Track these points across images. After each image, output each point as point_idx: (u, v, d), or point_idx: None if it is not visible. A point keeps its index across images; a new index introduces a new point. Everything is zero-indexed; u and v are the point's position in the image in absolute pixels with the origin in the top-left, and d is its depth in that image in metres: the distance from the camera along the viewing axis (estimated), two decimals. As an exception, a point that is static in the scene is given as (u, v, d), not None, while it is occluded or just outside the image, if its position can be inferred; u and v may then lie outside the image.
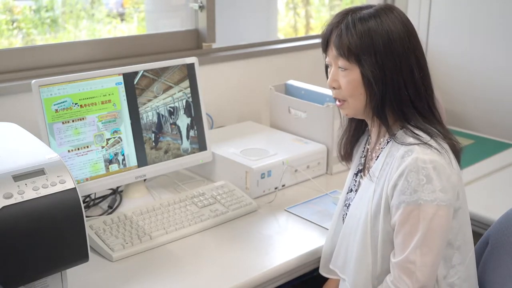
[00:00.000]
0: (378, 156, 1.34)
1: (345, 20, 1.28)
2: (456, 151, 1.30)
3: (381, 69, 1.26)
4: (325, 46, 1.34)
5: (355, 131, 1.47)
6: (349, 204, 1.43)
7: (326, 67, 1.38)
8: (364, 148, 1.45)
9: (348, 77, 1.29)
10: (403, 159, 1.23)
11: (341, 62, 1.29)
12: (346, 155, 1.49)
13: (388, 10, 1.29)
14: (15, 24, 2.33)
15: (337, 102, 1.35)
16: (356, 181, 1.44)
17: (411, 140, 1.26)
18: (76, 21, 2.54)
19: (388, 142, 1.32)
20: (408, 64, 1.27)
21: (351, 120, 1.45)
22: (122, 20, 2.78)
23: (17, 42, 2.35)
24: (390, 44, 1.26)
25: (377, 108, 1.29)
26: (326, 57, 1.36)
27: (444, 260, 1.30)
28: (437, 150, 1.23)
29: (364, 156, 1.44)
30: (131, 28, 2.76)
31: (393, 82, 1.27)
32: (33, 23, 2.38)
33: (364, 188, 1.37)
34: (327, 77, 1.38)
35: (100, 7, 2.65)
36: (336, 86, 1.33)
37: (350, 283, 1.36)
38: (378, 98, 1.27)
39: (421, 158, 1.21)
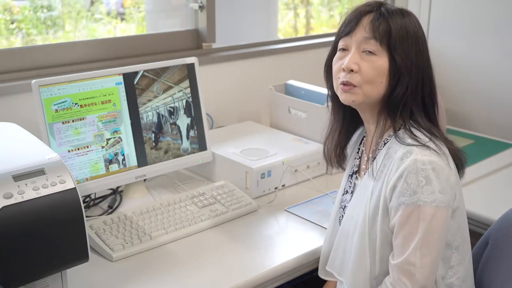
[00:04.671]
0: (375, 158, 1.34)
1: (382, 7, 1.29)
2: (455, 157, 1.30)
3: (410, 63, 1.26)
4: (352, 27, 1.28)
5: (345, 133, 1.44)
6: (345, 206, 1.43)
7: (332, 54, 1.35)
8: (359, 149, 1.45)
9: (374, 62, 1.26)
10: (402, 161, 1.23)
11: (371, 45, 1.26)
12: (336, 159, 1.45)
13: (408, 11, 1.32)
14: (14, 24, 2.33)
15: (345, 86, 1.28)
16: (351, 182, 1.44)
17: (409, 141, 1.26)
18: (76, 21, 2.54)
19: (385, 143, 1.32)
20: (428, 67, 1.30)
21: (341, 118, 1.43)
22: (122, 20, 2.78)
23: (17, 41, 2.35)
24: (419, 42, 1.28)
25: (394, 100, 1.28)
26: (340, 41, 1.31)
27: (443, 260, 1.29)
28: (435, 151, 1.24)
29: (359, 158, 1.43)
30: (131, 28, 2.76)
31: (417, 79, 1.27)
32: (32, 23, 2.38)
33: (360, 189, 1.36)
34: (327, 65, 1.37)
35: (100, 6, 2.66)
36: (356, 69, 1.26)
37: (348, 285, 1.36)
38: (402, 91, 1.27)
39: (420, 160, 1.21)
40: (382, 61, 1.26)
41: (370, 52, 1.26)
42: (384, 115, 1.32)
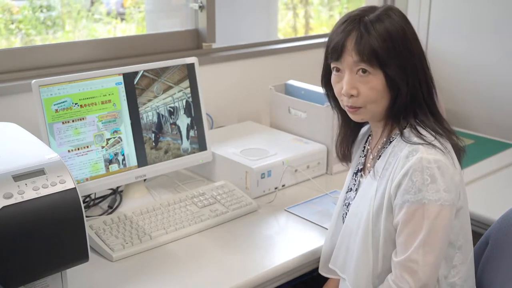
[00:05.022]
0: (380, 156, 1.34)
1: (361, 24, 1.25)
2: (459, 151, 1.31)
3: (404, 70, 1.25)
4: (339, 54, 1.28)
5: (352, 131, 1.46)
6: (349, 204, 1.43)
7: (326, 74, 1.36)
8: (364, 147, 1.45)
9: (370, 83, 1.26)
10: (407, 159, 1.23)
11: (363, 68, 1.25)
12: (345, 155, 1.48)
13: (391, 10, 1.29)
14: (14, 25, 2.33)
15: (350, 109, 1.31)
16: (356, 180, 1.44)
17: (415, 139, 1.26)
18: (75, 21, 2.54)
19: (391, 141, 1.32)
20: (421, 63, 1.29)
21: (348, 120, 1.44)
22: (122, 20, 2.78)
23: (16, 41, 2.35)
24: (407, 43, 1.26)
25: (399, 110, 1.28)
26: (333, 65, 1.31)
27: (445, 260, 1.30)
28: (441, 150, 1.24)
29: (364, 156, 1.44)
30: (131, 28, 2.76)
31: (413, 82, 1.27)
32: (31, 24, 2.38)
33: (365, 187, 1.37)
34: (323, 84, 1.38)
35: (100, 6, 2.65)
36: (355, 93, 1.27)
37: (351, 282, 1.36)
38: (404, 100, 1.27)
39: (426, 158, 1.21)
40: (377, 80, 1.26)
41: (363, 74, 1.26)
42: (390, 120, 1.33)
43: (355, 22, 1.26)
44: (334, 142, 1.50)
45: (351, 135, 1.47)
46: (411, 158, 1.23)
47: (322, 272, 1.51)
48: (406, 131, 1.29)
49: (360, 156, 1.45)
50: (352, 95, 1.28)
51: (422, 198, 1.21)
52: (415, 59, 1.27)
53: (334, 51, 1.29)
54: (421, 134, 1.26)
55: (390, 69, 1.24)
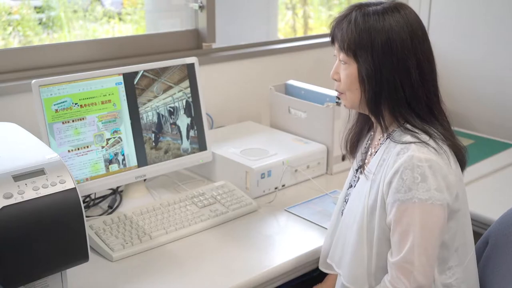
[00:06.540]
0: (376, 152, 1.34)
1: (349, 16, 1.30)
2: (459, 153, 1.30)
3: (377, 67, 1.27)
4: (331, 39, 1.37)
5: (363, 125, 1.47)
6: (348, 200, 1.44)
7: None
8: (366, 144, 1.46)
9: (346, 71, 1.32)
10: (398, 156, 1.24)
11: (342, 56, 1.32)
12: (352, 149, 1.48)
13: (395, 8, 1.29)
14: (12, 27, 2.32)
15: (338, 93, 1.39)
16: (356, 176, 1.45)
17: (408, 138, 1.26)
18: (73, 21, 2.53)
19: (387, 138, 1.32)
20: (406, 65, 1.27)
21: (360, 114, 1.45)
22: (120, 20, 2.78)
23: (15, 41, 2.35)
24: (388, 43, 1.26)
25: (371, 104, 1.30)
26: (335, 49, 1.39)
27: (440, 261, 1.29)
28: (435, 150, 1.23)
29: (365, 152, 1.44)
30: (129, 28, 2.76)
31: (389, 82, 1.27)
32: (28, 25, 2.37)
33: (361, 183, 1.37)
34: None
35: (98, 6, 2.65)
36: (336, 78, 1.36)
37: (345, 277, 1.36)
38: (371, 95, 1.29)
39: (417, 156, 1.21)
40: (351, 69, 1.31)
41: (343, 62, 1.33)
42: (374, 116, 1.34)
43: (351, 10, 1.32)
44: (345, 133, 1.50)
45: (362, 129, 1.47)
46: (402, 155, 1.23)
47: (322, 268, 1.51)
48: (397, 132, 1.29)
49: (362, 152, 1.45)
50: (335, 79, 1.36)
51: (412, 197, 1.21)
52: (397, 61, 1.26)
53: (330, 34, 1.37)
54: (415, 133, 1.26)
55: (360, 62, 1.29)
